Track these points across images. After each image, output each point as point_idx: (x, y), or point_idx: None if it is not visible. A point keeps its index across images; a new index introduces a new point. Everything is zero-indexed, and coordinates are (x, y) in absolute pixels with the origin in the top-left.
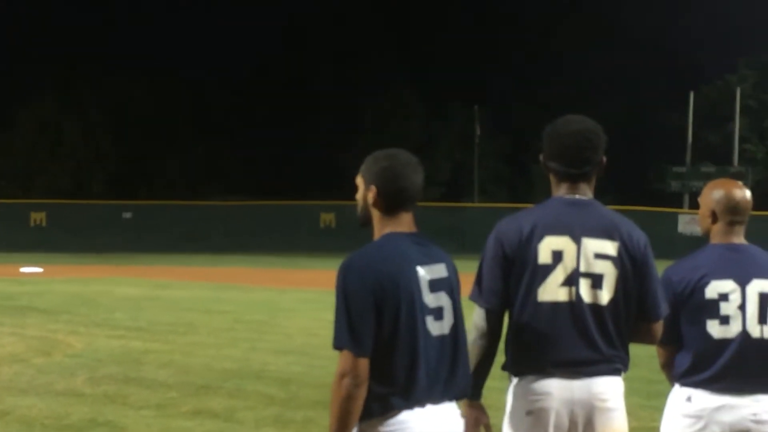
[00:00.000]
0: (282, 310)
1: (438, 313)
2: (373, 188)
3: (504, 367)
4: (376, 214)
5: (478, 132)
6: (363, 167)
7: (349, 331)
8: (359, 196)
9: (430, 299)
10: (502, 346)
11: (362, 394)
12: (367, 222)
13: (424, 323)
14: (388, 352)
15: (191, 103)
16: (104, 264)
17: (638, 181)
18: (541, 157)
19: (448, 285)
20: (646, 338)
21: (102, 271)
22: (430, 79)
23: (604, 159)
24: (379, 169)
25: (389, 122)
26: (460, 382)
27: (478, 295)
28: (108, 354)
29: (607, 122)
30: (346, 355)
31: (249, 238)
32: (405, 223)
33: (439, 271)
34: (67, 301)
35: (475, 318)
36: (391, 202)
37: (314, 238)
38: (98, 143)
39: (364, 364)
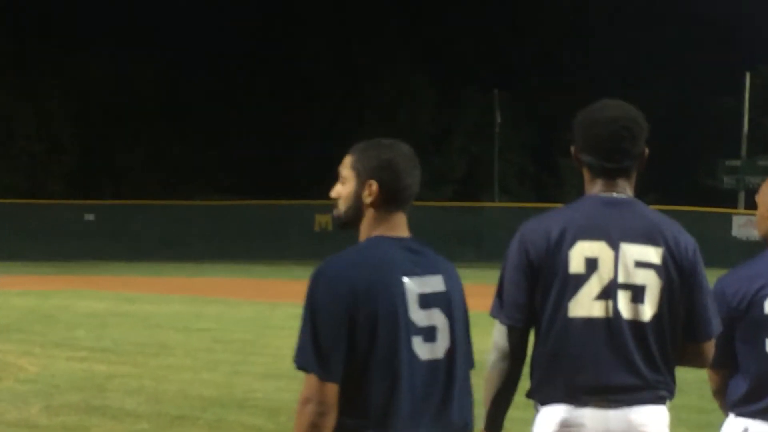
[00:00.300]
0: (271, 327)
1: (429, 334)
2: (374, 184)
3: (529, 395)
4: (369, 214)
5: (498, 121)
6: (355, 158)
7: (315, 351)
8: (347, 191)
9: (420, 316)
10: (526, 370)
11: (329, 424)
12: (350, 223)
13: (409, 344)
14: (362, 377)
15: (166, 87)
16: (64, 274)
17: (685, 177)
18: (572, 149)
19: (445, 301)
20: (695, 361)
21: (61, 282)
22: (443, 61)
23: (646, 151)
24: (382, 162)
25: (395, 111)
26: (456, 413)
27: (498, 309)
28: (67, 379)
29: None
30: (311, 378)
31: (233, 243)
32: (399, 225)
33: (434, 284)
34: (21, 317)
35: (495, 336)
36: (392, 200)
37: (308, 243)
38: (56, 135)
39: (331, 389)
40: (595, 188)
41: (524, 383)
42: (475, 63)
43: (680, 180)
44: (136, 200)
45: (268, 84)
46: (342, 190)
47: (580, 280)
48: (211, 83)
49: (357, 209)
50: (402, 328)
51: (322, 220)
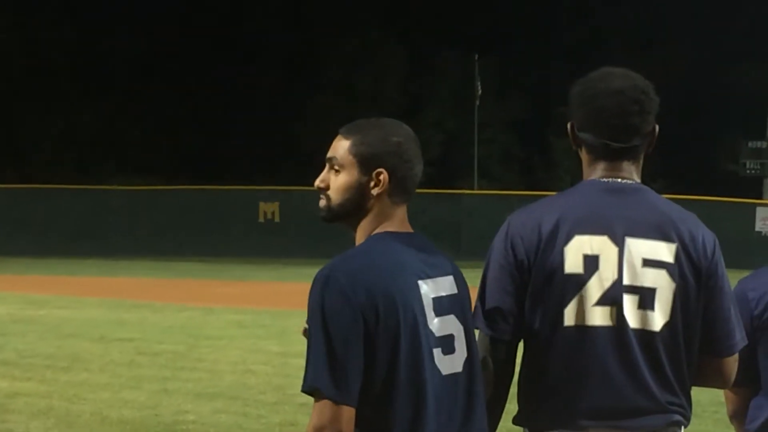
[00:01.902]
0: (205, 337)
1: (447, 344)
2: (383, 172)
3: (516, 420)
4: (375, 207)
5: (479, 92)
6: (355, 141)
7: (329, 369)
8: (345, 180)
9: (437, 325)
10: (513, 390)
11: None
12: (343, 217)
13: (432, 358)
14: (384, 400)
15: (80, 49)
16: None
17: (699, 161)
18: (568, 126)
19: (458, 305)
20: (714, 380)
21: None
22: (414, 19)
23: (656, 128)
24: (390, 146)
25: (357, 79)
26: None
27: (480, 317)
28: None
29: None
30: (324, 402)
31: (160, 236)
32: (403, 220)
33: (447, 286)
34: None
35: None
36: (402, 191)
37: (251, 236)
38: None
39: (348, 414)
40: (596, 173)
41: (511, 406)
42: (453, 23)
43: (694, 164)
44: (43, 184)
45: (204, 45)
46: (337, 180)
47: (577, 282)
48: (135, 45)
49: (358, 202)
50: (423, 341)
51: (267, 209)
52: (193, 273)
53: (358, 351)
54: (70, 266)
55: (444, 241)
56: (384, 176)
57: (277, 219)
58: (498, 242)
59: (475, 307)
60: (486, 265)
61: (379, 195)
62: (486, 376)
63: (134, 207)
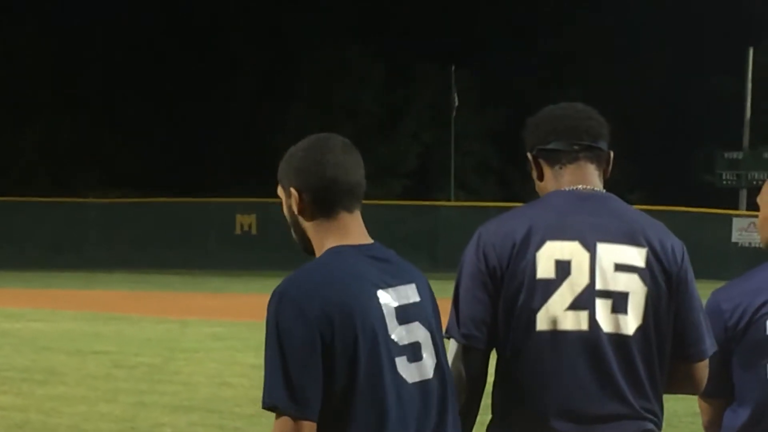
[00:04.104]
0: (182, 350)
1: (413, 352)
2: (293, 191)
3: (490, 428)
4: (310, 226)
5: (456, 103)
6: (279, 170)
7: (286, 385)
8: (285, 211)
9: (400, 334)
10: (486, 401)
11: None
12: (301, 243)
13: (393, 368)
14: (344, 412)
15: (57, 59)
16: None
17: (678, 172)
18: (530, 156)
19: (422, 312)
20: (685, 385)
21: None
22: (391, 32)
23: (611, 154)
24: (297, 163)
25: (333, 91)
26: None
27: (454, 327)
28: None
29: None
30: (284, 419)
31: (136, 249)
32: (353, 230)
33: (409, 294)
34: None
35: (449, 359)
36: (325, 204)
37: (228, 249)
38: None
39: (309, 428)
40: (563, 182)
41: (484, 416)
42: (430, 34)
43: (671, 175)
44: (19, 197)
45: (181, 58)
46: (284, 211)
47: (549, 287)
48: (112, 57)
49: (297, 225)
50: (384, 351)
51: (244, 222)
52: (170, 285)
53: (314, 364)
54: (46, 279)
55: (421, 252)
56: (294, 195)
57: (254, 231)
58: (469, 253)
59: (449, 318)
60: (458, 276)
61: (303, 213)
62: (459, 386)
63: (111, 219)
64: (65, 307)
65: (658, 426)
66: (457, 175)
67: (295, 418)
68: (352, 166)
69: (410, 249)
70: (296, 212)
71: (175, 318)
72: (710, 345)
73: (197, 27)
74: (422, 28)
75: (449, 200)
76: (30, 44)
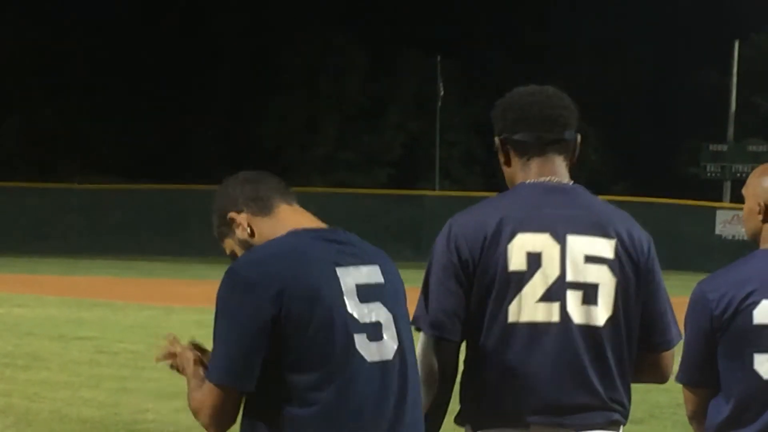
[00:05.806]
0: (166, 336)
1: (374, 331)
2: (235, 217)
3: (458, 419)
4: (260, 232)
5: (441, 93)
6: (215, 227)
7: (226, 357)
8: (238, 247)
9: (361, 311)
10: (456, 390)
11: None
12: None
13: (351, 342)
14: (299, 388)
15: (40, 45)
16: None
17: (660, 164)
18: (497, 141)
19: (386, 294)
20: (652, 375)
21: None
22: (375, 20)
23: (579, 138)
24: (223, 196)
25: (317, 79)
26: (411, 427)
27: (424, 318)
28: None
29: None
30: (212, 387)
31: (120, 235)
32: (304, 220)
33: (372, 274)
34: None
35: (418, 351)
36: (262, 203)
37: (212, 235)
38: None
39: (236, 397)
40: (530, 173)
41: (453, 406)
42: (415, 23)
43: (655, 167)
44: (3, 182)
45: (165, 44)
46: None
47: (521, 279)
48: (96, 43)
49: (249, 246)
50: (339, 324)
51: None
52: (154, 272)
53: (262, 342)
54: (29, 264)
55: (405, 241)
56: (238, 219)
57: None
58: (440, 244)
59: (417, 309)
60: (428, 268)
61: (243, 229)
62: (430, 378)
63: (95, 206)
64: (49, 293)
65: (625, 416)
66: (442, 165)
67: (224, 387)
68: (268, 175)
69: (395, 238)
70: (248, 235)
71: (159, 305)
72: (676, 334)
73: (180, 14)
74: (407, 18)
75: (434, 190)
76: (13, 32)
